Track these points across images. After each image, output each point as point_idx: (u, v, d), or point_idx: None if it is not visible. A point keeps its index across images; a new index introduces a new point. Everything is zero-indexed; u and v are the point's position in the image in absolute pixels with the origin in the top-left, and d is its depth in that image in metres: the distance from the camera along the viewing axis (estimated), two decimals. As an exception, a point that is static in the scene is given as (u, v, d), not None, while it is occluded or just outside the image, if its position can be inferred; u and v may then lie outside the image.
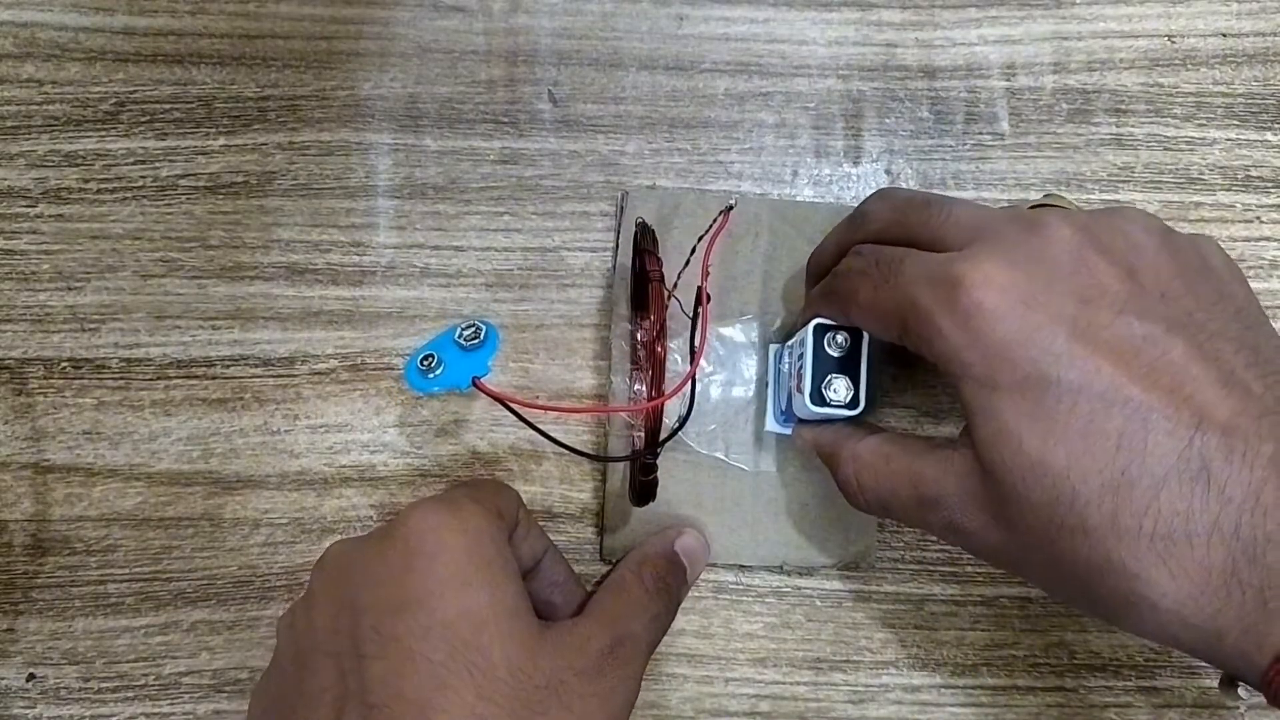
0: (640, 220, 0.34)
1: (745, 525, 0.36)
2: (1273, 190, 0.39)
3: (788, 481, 0.37)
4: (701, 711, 0.36)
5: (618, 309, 0.37)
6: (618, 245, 0.38)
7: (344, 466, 0.37)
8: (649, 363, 0.32)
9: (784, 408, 0.36)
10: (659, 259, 0.33)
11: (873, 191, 0.33)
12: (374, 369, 0.38)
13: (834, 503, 0.36)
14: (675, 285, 0.32)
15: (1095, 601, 0.25)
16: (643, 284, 0.34)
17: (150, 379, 0.37)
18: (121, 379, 0.37)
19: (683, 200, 0.38)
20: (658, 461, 0.32)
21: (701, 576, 0.37)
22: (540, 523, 0.37)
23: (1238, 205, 0.39)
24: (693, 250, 0.32)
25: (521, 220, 0.39)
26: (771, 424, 0.37)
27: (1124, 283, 0.26)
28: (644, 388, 0.35)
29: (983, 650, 0.37)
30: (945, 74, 0.40)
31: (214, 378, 0.37)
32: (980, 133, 0.40)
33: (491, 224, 0.39)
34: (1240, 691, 0.26)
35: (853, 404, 0.32)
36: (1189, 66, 0.40)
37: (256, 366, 0.37)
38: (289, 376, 0.37)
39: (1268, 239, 0.39)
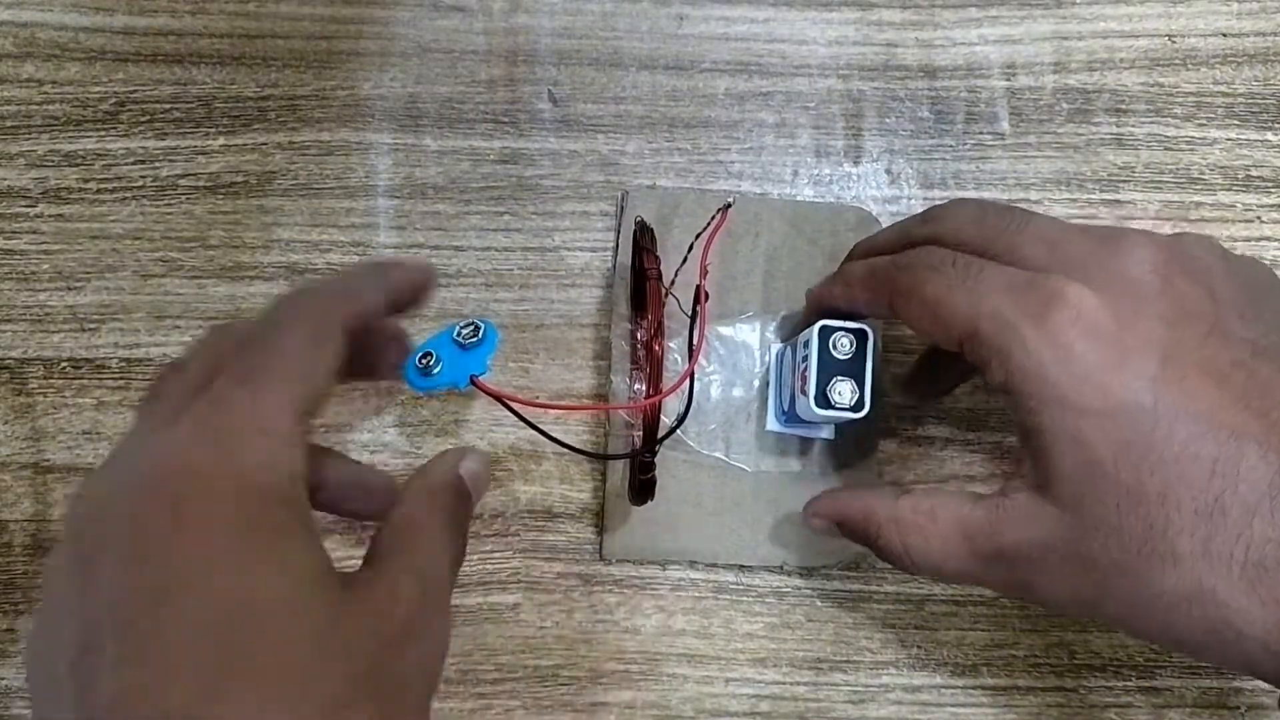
0: (639, 219, 0.34)
1: (745, 525, 0.36)
2: (1273, 190, 0.39)
3: (788, 481, 0.37)
4: (701, 711, 0.36)
5: (618, 308, 0.37)
6: (618, 245, 0.38)
7: (344, 466, 0.37)
8: (647, 361, 0.32)
9: (785, 408, 0.36)
10: (657, 257, 0.33)
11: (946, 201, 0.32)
12: (374, 369, 0.37)
13: (834, 503, 0.36)
14: (673, 283, 0.32)
15: (1178, 633, 0.25)
16: (641, 283, 0.34)
17: (150, 379, 0.37)
18: (121, 379, 0.37)
19: (683, 200, 0.38)
20: (656, 460, 0.32)
21: (702, 577, 0.37)
22: (540, 523, 0.37)
23: (1238, 205, 0.39)
24: (690, 248, 0.32)
25: (521, 220, 0.39)
26: (772, 424, 0.37)
27: (1207, 305, 0.26)
28: (644, 386, 0.35)
29: (983, 650, 0.37)
30: (945, 74, 0.40)
31: (214, 378, 0.37)
32: (980, 132, 0.40)
33: (491, 224, 0.39)
34: None
35: (857, 407, 0.32)
36: (1189, 66, 0.40)
37: (256, 366, 0.37)
38: (289, 376, 0.37)
39: (1268, 239, 0.39)
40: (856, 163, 0.40)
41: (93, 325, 0.37)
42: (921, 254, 0.29)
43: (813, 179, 0.40)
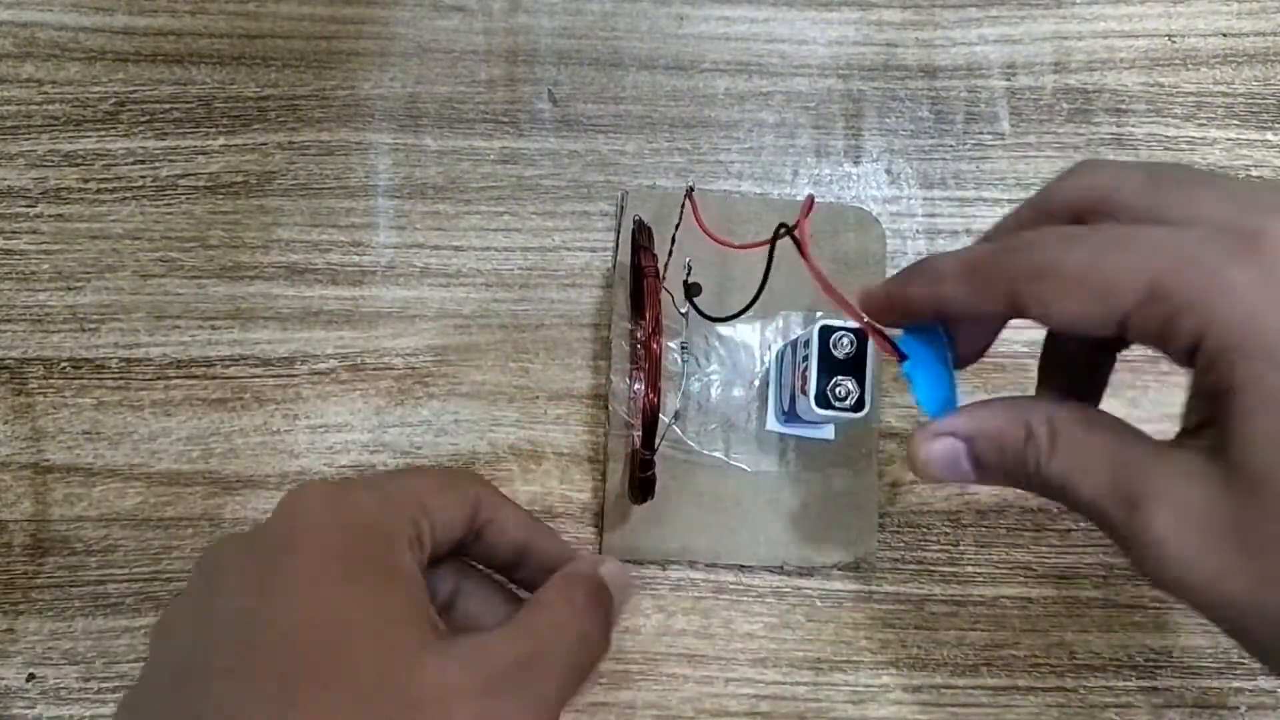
0: (637, 218, 0.34)
1: (745, 525, 0.36)
2: (1273, 190, 0.39)
3: (788, 481, 0.37)
4: (702, 711, 0.36)
5: (617, 308, 0.37)
6: (617, 245, 0.38)
7: (344, 466, 0.37)
8: (645, 360, 0.32)
9: (785, 408, 0.36)
10: (655, 255, 0.33)
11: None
12: (374, 369, 0.37)
13: (834, 503, 0.36)
14: (664, 277, 0.32)
15: None
16: (639, 281, 0.34)
17: (150, 379, 0.37)
18: (121, 379, 0.37)
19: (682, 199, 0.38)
20: (656, 459, 0.32)
21: (702, 577, 0.37)
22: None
23: (1238, 205, 0.39)
24: (673, 240, 0.32)
25: (521, 220, 0.39)
26: (772, 424, 0.37)
27: None
28: (642, 386, 0.35)
29: (983, 650, 0.37)
30: (945, 73, 0.40)
31: (214, 378, 0.37)
32: (981, 132, 0.40)
33: (491, 224, 0.39)
34: None
35: (857, 407, 0.32)
36: (1189, 66, 0.40)
37: (256, 366, 0.37)
38: (289, 376, 0.37)
39: (1268, 239, 0.39)
40: (856, 163, 0.40)
41: (93, 325, 0.37)
42: (1046, 230, 0.24)
43: (813, 179, 0.39)
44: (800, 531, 0.36)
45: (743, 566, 0.37)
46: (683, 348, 0.37)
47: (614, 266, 0.38)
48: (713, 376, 0.37)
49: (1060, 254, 0.22)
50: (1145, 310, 0.21)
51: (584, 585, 0.27)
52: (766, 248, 0.29)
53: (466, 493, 0.27)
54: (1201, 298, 0.20)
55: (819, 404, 0.32)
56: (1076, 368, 0.27)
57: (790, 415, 0.36)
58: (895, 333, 0.27)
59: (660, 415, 0.31)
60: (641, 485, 0.32)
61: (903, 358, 0.27)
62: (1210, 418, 0.21)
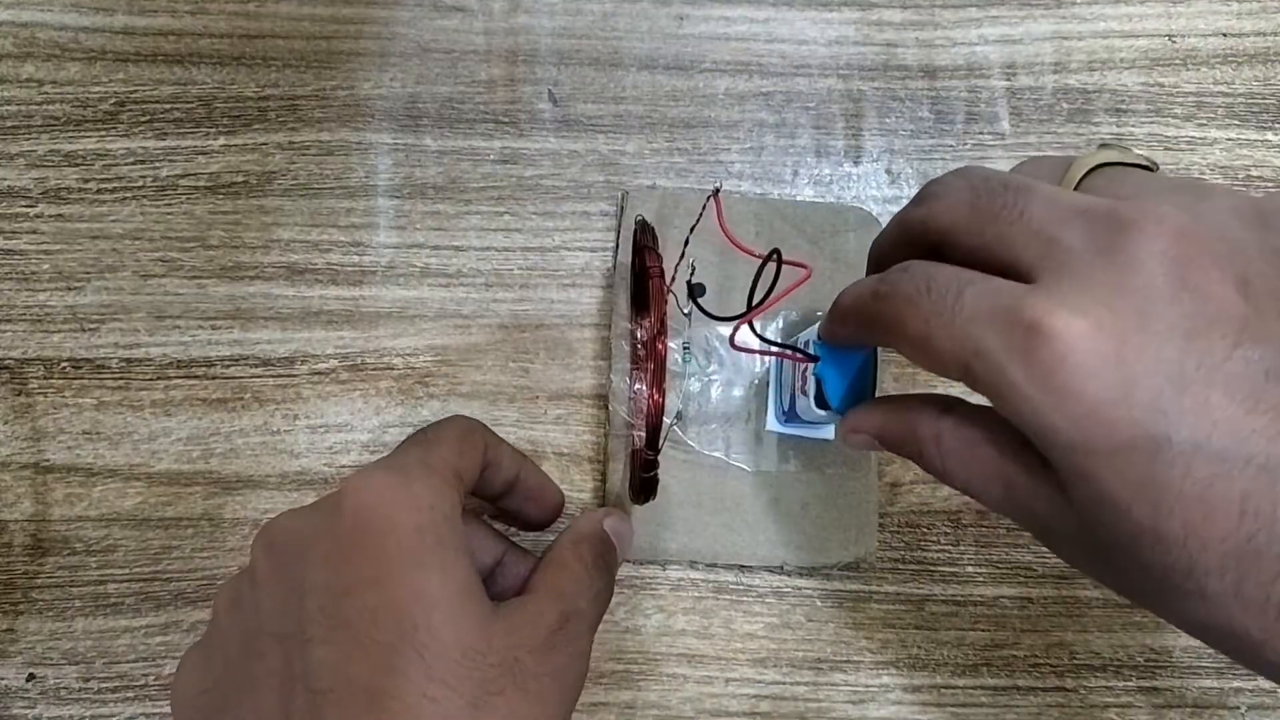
0: (640, 218, 0.34)
1: (745, 525, 0.36)
2: (1274, 190, 0.39)
3: (788, 481, 0.37)
4: (702, 711, 0.36)
5: (618, 308, 0.37)
6: (618, 245, 0.38)
7: (344, 466, 0.37)
8: (649, 360, 0.32)
9: (786, 408, 0.36)
10: (659, 255, 0.33)
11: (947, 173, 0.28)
12: (374, 369, 0.37)
13: (834, 503, 0.36)
14: (673, 281, 0.32)
15: (1209, 645, 0.23)
16: (642, 281, 0.34)
17: (150, 379, 0.37)
18: (121, 379, 0.37)
19: (683, 199, 0.38)
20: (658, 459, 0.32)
21: (702, 577, 0.37)
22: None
23: (1238, 205, 0.39)
24: (685, 243, 0.32)
25: (521, 220, 0.39)
26: (772, 424, 0.37)
27: (1236, 302, 0.21)
28: (643, 386, 0.35)
29: (983, 650, 0.37)
30: (946, 74, 0.40)
31: (214, 378, 0.37)
32: (981, 132, 0.40)
33: (491, 224, 0.39)
34: None
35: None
36: (1189, 66, 0.40)
37: (256, 366, 0.37)
38: (289, 376, 0.37)
39: (1268, 239, 0.39)
40: (856, 163, 0.40)
41: (93, 325, 0.37)
42: (896, 278, 0.26)
43: (813, 179, 0.40)
44: (800, 531, 0.36)
45: (743, 567, 0.37)
46: (685, 348, 0.37)
47: (614, 266, 0.38)
48: (713, 376, 0.37)
49: (902, 319, 0.25)
50: (969, 384, 0.23)
51: (591, 544, 0.30)
52: (778, 253, 0.29)
53: (480, 443, 0.30)
54: (999, 393, 0.23)
55: (819, 404, 0.32)
56: None
57: (790, 415, 0.36)
58: None
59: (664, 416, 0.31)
60: (644, 485, 0.32)
61: (813, 360, 0.30)
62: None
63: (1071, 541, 0.24)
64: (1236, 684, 0.36)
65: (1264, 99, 0.40)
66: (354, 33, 0.40)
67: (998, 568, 0.37)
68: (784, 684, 0.36)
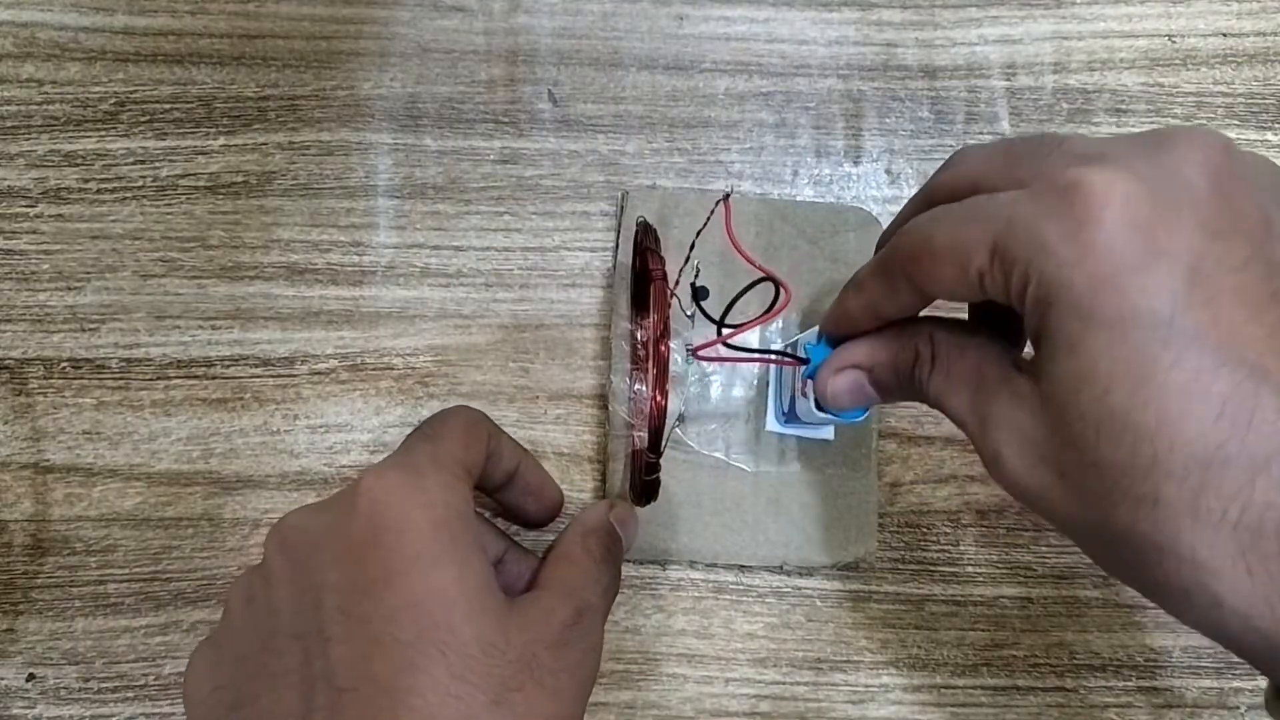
0: (642, 219, 0.34)
1: (745, 525, 0.36)
2: (1273, 190, 0.39)
3: (788, 481, 0.37)
4: (702, 712, 0.36)
5: (618, 309, 0.37)
6: (618, 245, 0.38)
7: (344, 466, 0.37)
8: (652, 362, 0.32)
9: (785, 408, 0.36)
10: (661, 257, 0.33)
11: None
12: (374, 369, 0.37)
13: (834, 503, 0.36)
14: (676, 283, 0.32)
15: (1144, 582, 0.22)
16: (643, 282, 0.34)
17: (150, 379, 0.37)
18: (121, 379, 0.37)
19: (683, 199, 0.38)
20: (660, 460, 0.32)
21: (702, 577, 0.37)
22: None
23: (1238, 205, 0.39)
24: (691, 246, 0.32)
25: (521, 220, 0.39)
26: (772, 424, 0.37)
27: (1259, 225, 0.22)
28: (644, 387, 0.35)
29: (983, 650, 0.37)
30: (945, 74, 0.40)
31: (214, 378, 0.37)
32: (981, 132, 0.40)
33: (491, 224, 0.39)
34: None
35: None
36: (1189, 66, 0.40)
37: (256, 366, 0.37)
38: (289, 376, 0.37)
39: None
40: (856, 163, 0.40)
41: (93, 325, 0.37)
42: (920, 216, 0.26)
43: (813, 179, 0.40)
44: (800, 531, 0.36)
45: (743, 566, 0.37)
46: (688, 349, 0.37)
47: (614, 267, 0.38)
48: (713, 377, 0.37)
49: (930, 232, 0.25)
50: (993, 271, 0.23)
51: (599, 537, 0.30)
52: (783, 263, 0.29)
53: (484, 434, 0.30)
54: (1026, 255, 0.22)
55: (819, 406, 0.32)
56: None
57: (790, 416, 0.36)
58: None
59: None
60: (646, 487, 0.32)
61: (801, 363, 0.31)
62: (1035, 354, 0.23)
63: (1023, 440, 0.23)
64: (1236, 684, 0.36)
65: (1264, 99, 0.40)
66: (354, 33, 0.40)
67: (998, 568, 0.37)
68: (784, 684, 0.36)
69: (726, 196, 0.30)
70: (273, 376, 0.37)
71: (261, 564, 0.27)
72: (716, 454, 0.37)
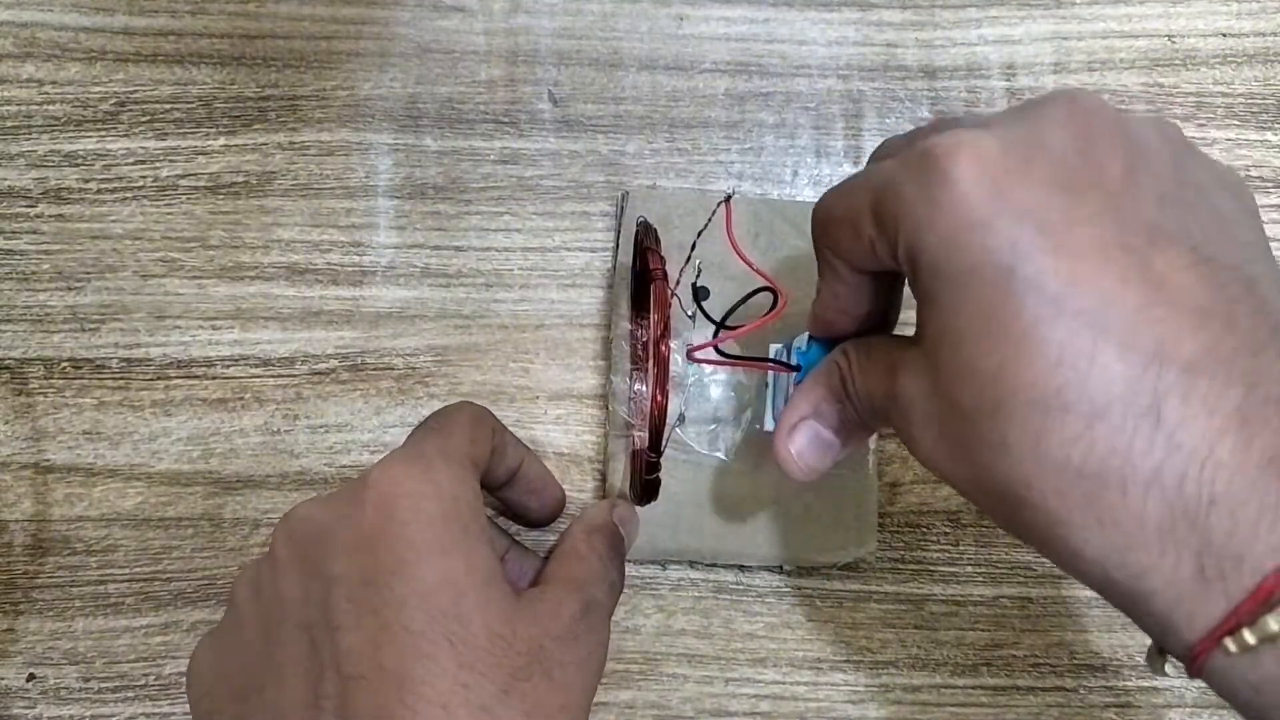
0: (642, 219, 0.34)
1: (745, 525, 0.36)
2: (1273, 190, 0.39)
3: (788, 482, 0.37)
4: (702, 711, 0.36)
5: (618, 309, 0.37)
6: (618, 245, 0.38)
7: (344, 466, 0.37)
8: (653, 362, 0.32)
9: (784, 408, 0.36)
10: (662, 257, 0.33)
11: None
12: (374, 369, 0.38)
13: (835, 503, 0.36)
14: (677, 284, 0.32)
15: (1021, 532, 0.23)
16: (643, 282, 0.34)
17: (150, 379, 0.37)
18: (121, 379, 0.37)
19: (683, 200, 0.38)
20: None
21: (701, 577, 0.37)
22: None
23: (1238, 205, 0.39)
24: (693, 246, 0.32)
25: (521, 220, 0.39)
26: (771, 424, 0.37)
27: (1118, 178, 0.22)
28: (644, 387, 0.35)
29: (983, 650, 0.37)
30: (945, 74, 0.40)
31: (214, 378, 0.37)
32: (980, 133, 0.40)
33: (491, 224, 0.39)
34: (1168, 668, 0.22)
35: None
36: (1189, 66, 0.40)
37: (257, 366, 0.37)
38: (289, 376, 0.37)
39: (1269, 239, 0.39)
40: (856, 163, 0.40)
41: (93, 325, 0.37)
42: (830, 188, 0.28)
43: (812, 179, 0.40)
44: (801, 531, 0.36)
45: (743, 567, 0.37)
46: (687, 349, 0.37)
47: (614, 267, 0.38)
48: (712, 378, 0.37)
49: (830, 201, 0.26)
50: (878, 236, 0.24)
51: (604, 535, 0.31)
52: (783, 263, 0.30)
53: (489, 429, 0.30)
54: (895, 217, 0.23)
55: None
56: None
57: None
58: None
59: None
60: (646, 487, 0.32)
61: (792, 369, 0.31)
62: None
63: (917, 406, 0.24)
64: (1236, 684, 0.36)
65: (1264, 99, 0.40)
66: (354, 33, 0.40)
67: (998, 568, 0.37)
68: (784, 684, 0.36)
69: (728, 198, 0.30)
70: (273, 376, 0.37)
71: (269, 554, 0.27)
72: (717, 454, 0.37)
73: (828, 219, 0.26)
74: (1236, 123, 0.40)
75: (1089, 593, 0.37)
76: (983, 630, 0.37)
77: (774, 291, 0.29)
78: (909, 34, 0.40)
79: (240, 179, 0.38)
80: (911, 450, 0.25)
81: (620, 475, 0.36)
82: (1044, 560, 0.37)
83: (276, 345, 0.38)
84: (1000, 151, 0.22)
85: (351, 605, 0.24)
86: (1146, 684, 0.36)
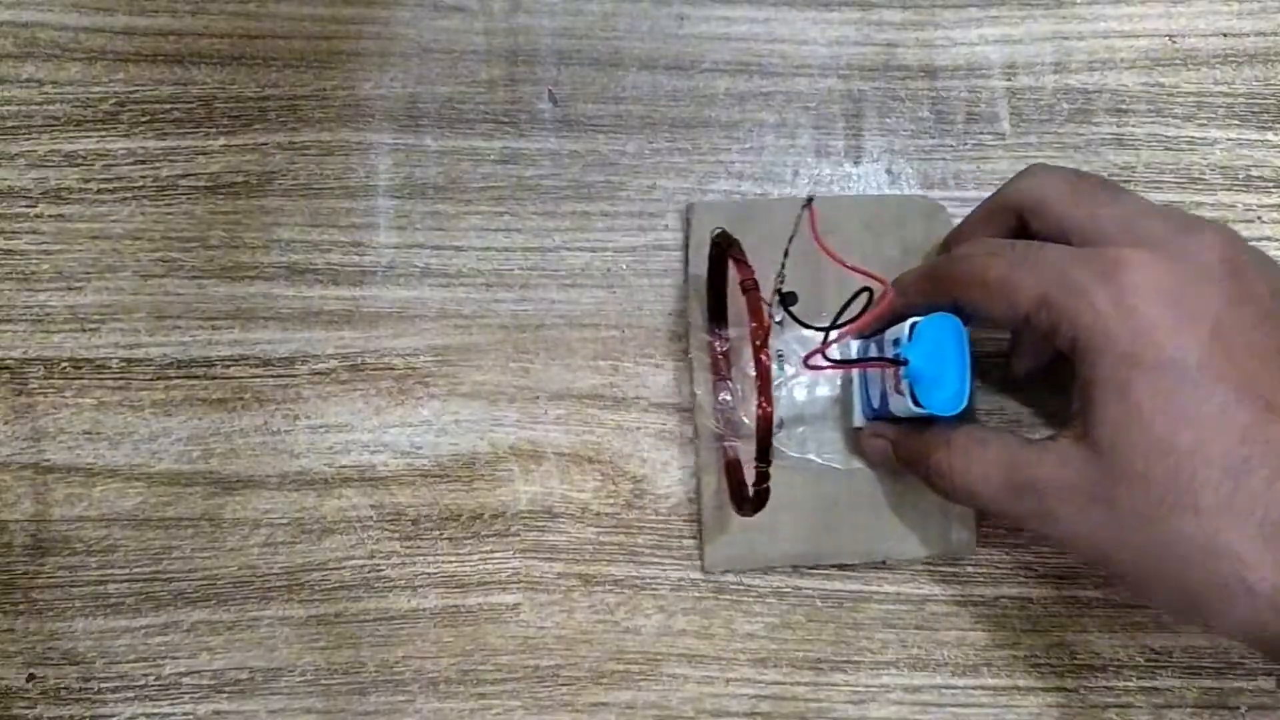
0: (720, 230, 0.33)
1: (844, 524, 0.36)
2: (1274, 190, 0.39)
3: (882, 476, 0.36)
4: (702, 712, 0.36)
5: (694, 321, 0.37)
6: (687, 259, 0.38)
7: (344, 466, 0.37)
8: (729, 371, 0.32)
9: (875, 405, 0.35)
10: (750, 267, 0.32)
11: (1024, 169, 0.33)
12: (374, 369, 0.38)
13: (928, 494, 0.36)
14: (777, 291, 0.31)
15: (1187, 584, 0.27)
16: (722, 293, 0.35)
17: (150, 379, 0.37)
18: (121, 379, 0.37)
19: (751, 210, 0.38)
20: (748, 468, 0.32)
21: (701, 577, 0.37)
22: (540, 523, 0.37)
23: (1239, 205, 0.39)
24: (785, 254, 0.30)
25: (521, 220, 0.39)
26: (859, 420, 0.36)
27: (1266, 297, 0.28)
28: (729, 397, 0.36)
29: (983, 650, 0.37)
30: (946, 74, 0.40)
31: (214, 378, 0.37)
32: (981, 132, 0.40)
33: (491, 224, 0.39)
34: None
35: (955, 401, 0.31)
36: (1190, 66, 0.40)
37: (256, 366, 0.37)
38: (289, 376, 0.37)
39: (1269, 239, 0.39)
40: (857, 163, 0.40)
41: (93, 325, 0.37)
42: (973, 245, 0.32)
43: (813, 179, 0.40)
44: (900, 525, 0.36)
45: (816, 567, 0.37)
46: (779, 356, 0.37)
47: (686, 279, 0.38)
48: (795, 381, 0.37)
49: (984, 268, 0.30)
50: (1039, 314, 0.29)
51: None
52: (855, 261, 0.31)
53: None
54: (1075, 310, 0.28)
55: (915, 402, 0.31)
56: (1030, 346, 0.36)
57: (879, 412, 0.35)
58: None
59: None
60: (756, 498, 0.32)
61: (900, 364, 0.31)
62: (1081, 406, 0.28)
63: (1073, 491, 0.28)
64: (1237, 684, 0.36)
65: (1264, 99, 0.40)
66: (354, 33, 0.40)
67: (998, 568, 0.37)
68: (784, 684, 0.36)
69: (809, 202, 0.30)
70: (273, 376, 0.37)
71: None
72: (809, 456, 0.36)
73: (976, 281, 0.30)
74: (1237, 123, 0.40)
75: (1089, 592, 0.37)
76: (983, 630, 0.37)
77: (872, 286, 0.30)
78: (909, 34, 0.40)
79: (240, 179, 0.38)
80: (1051, 529, 0.29)
81: (713, 489, 0.36)
82: (1044, 560, 0.37)
83: (276, 345, 0.38)
84: (1179, 271, 0.28)
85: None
86: (1147, 684, 0.36)
